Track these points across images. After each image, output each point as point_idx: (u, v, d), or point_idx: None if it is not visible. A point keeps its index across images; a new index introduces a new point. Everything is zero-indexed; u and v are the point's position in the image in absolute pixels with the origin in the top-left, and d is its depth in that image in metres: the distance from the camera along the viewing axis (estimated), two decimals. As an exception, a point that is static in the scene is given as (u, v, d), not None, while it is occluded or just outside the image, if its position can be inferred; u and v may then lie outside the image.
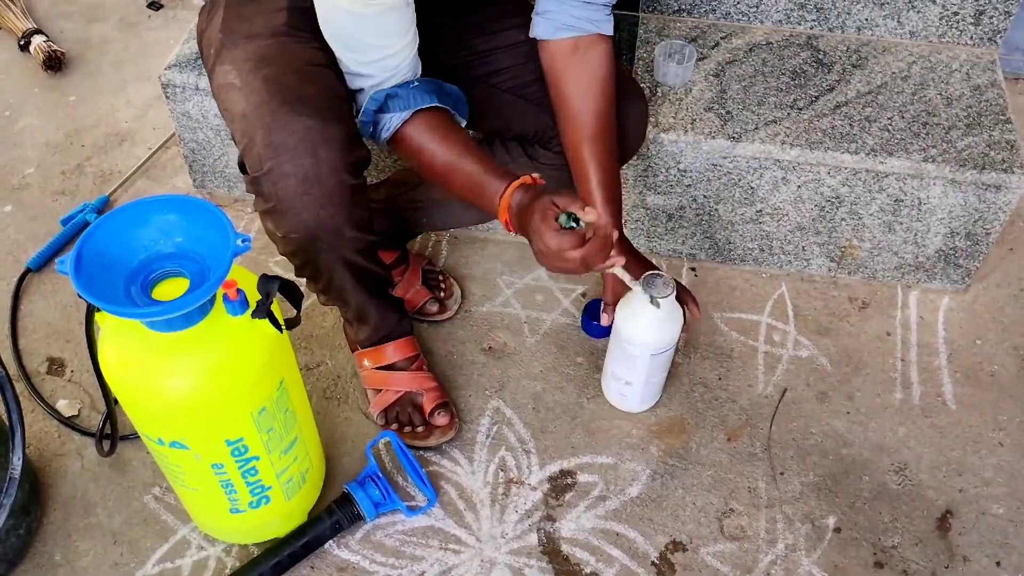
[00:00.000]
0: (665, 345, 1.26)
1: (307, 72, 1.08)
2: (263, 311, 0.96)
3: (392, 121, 1.12)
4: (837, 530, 1.27)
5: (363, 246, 1.16)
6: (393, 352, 1.36)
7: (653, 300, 1.20)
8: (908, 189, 1.42)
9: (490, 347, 1.48)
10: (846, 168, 1.40)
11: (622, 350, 1.29)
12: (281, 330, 1.00)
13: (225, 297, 0.95)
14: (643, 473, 1.33)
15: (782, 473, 1.33)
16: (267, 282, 0.97)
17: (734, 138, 1.41)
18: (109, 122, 1.86)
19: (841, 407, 1.41)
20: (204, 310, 0.95)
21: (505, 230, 1.14)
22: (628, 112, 1.28)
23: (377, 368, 1.37)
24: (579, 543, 1.26)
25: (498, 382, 1.44)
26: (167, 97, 1.53)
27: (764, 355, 1.48)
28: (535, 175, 1.10)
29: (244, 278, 1.00)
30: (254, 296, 0.98)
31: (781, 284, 1.58)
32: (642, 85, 1.49)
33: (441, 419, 1.35)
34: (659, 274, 1.22)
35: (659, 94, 1.48)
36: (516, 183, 1.09)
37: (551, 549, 1.25)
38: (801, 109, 1.45)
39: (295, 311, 1.07)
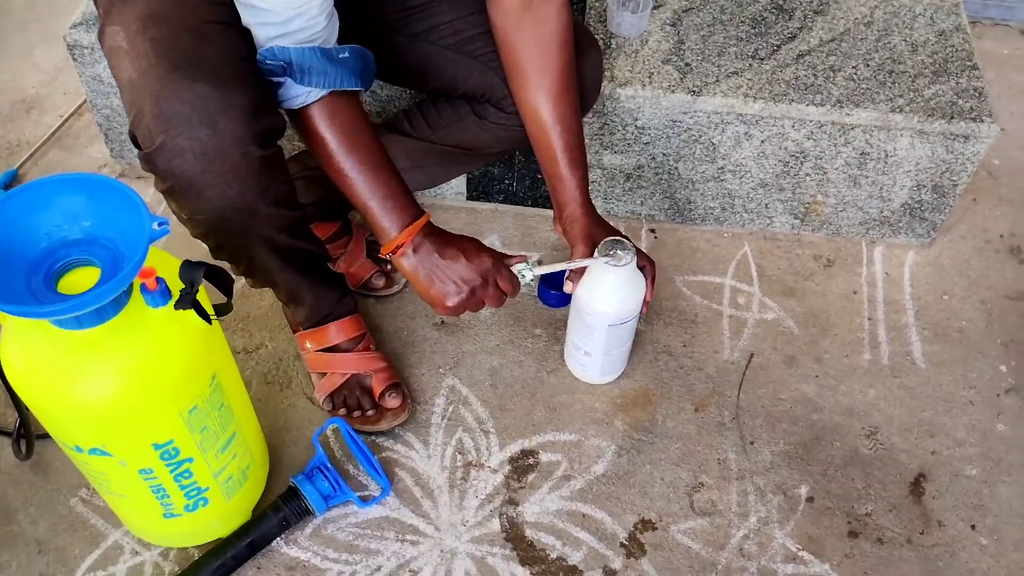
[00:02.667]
0: (624, 316, 1.19)
1: (204, 31, 0.94)
2: (187, 301, 0.86)
3: (310, 97, 1.00)
4: (810, 500, 1.22)
5: (286, 223, 1.05)
6: (336, 332, 1.26)
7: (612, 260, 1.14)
8: (875, 141, 1.35)
9: (443, 322, 1.40)
10: (811, 121, 1.33)
11: (581, 319, 1.22)
12: (210, 321, 0.90)
13: (143, 288, 0.85)
14: (608, 449, 1.26)
15: (752, 443, 1.28)
16: (190, 269, 0.86)
17: (694, 92, 1.32)
18: (15, 88, 1.71)
19: (810, 371, 1.36)
20: (119, 303, 0.84)
21: (388, 252, 1.06)
22: (582, 66, 1.18)
23: (320, 350, 1.27)
24: (544, 527, 1.19)
25: (452, 359, 1.35)
26: (75, 60, 1.39)
27: (729, 319, 1.42)
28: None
29: (166, 265, 0.90)
30: (178, 285, 0.88)
31: (744, 244, 1.52)
32: (595, 35, 1.39)
33: (392, 401, 1.26)
34: (619, 240, 1.14)
35: (613, 46, 1.39)
36: (426, 216, 1.07)
37: (515, 535, 1.18)
38: (763, 59, 1.37)
39: (226, 298, 0.97)
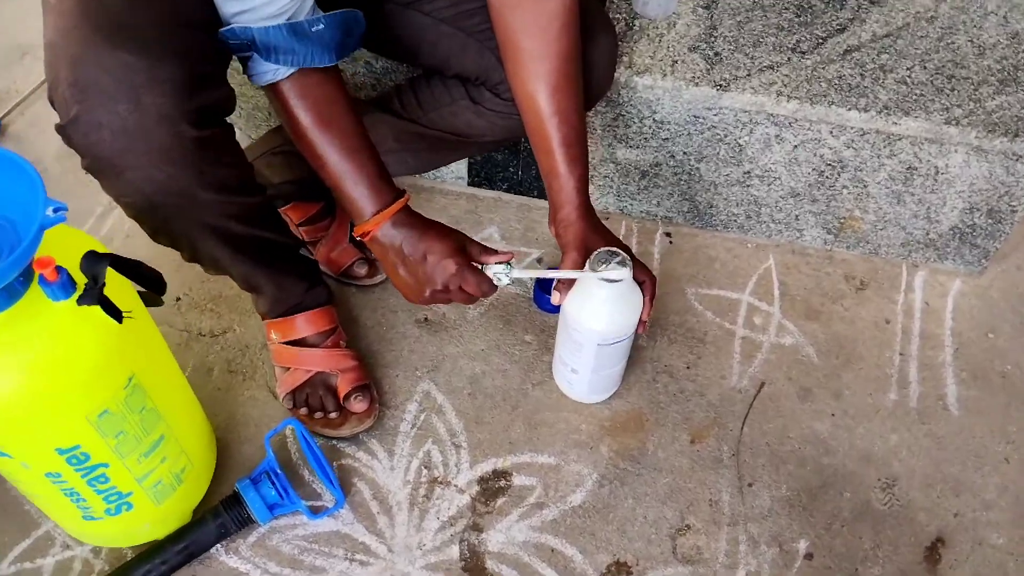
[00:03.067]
0: (616, 335, 1.06)
1: None
2: (91, 297, 0.76)
3: (278, 74, 0.91)
4: (808, 556, 1.09)
5: (235, 211, 0.95)
6: (303, 325, 1.16)
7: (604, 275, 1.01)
8: (924, 156, 1.19)
9: (426, 318, 1.28)
10: (852, 128, 1.17)
11: (568, 334, 1.09)
12: (119, 319, 0.79)
13: (41, 279, 0.75)
14: (589, 477, 1.14)
15: (750, 484, 1.14)
16: (93, 262, 0.76)
17: (721, 86, 1.17)
18: (10, 33, 1.62)
19: (826, 407, 1.22)
20: (13, 293, 0.75)
21: (359, 236, 1.00)
22: (592, 49, 1.04)
23: (284, 343, 1.17)
24: (507, 559, 1.08)
25: (432, 361, 1.24)
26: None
27: (742, 341, 1.28)
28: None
29: (78, 250, 0.80)
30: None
31: (769, 256, 1.37)
32: (616, 16, 1.25)
33: (358, 404, 1.16)
34: (615, 252, 1.01)
35: (636, 28, 1.24)
36: (404, 200, 0.99)
37: (474, 565, 1.07)
38: (804, 53, 1.21)
39: (156, 294, 0.88)
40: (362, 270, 1.29)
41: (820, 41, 1.23)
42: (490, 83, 1.09)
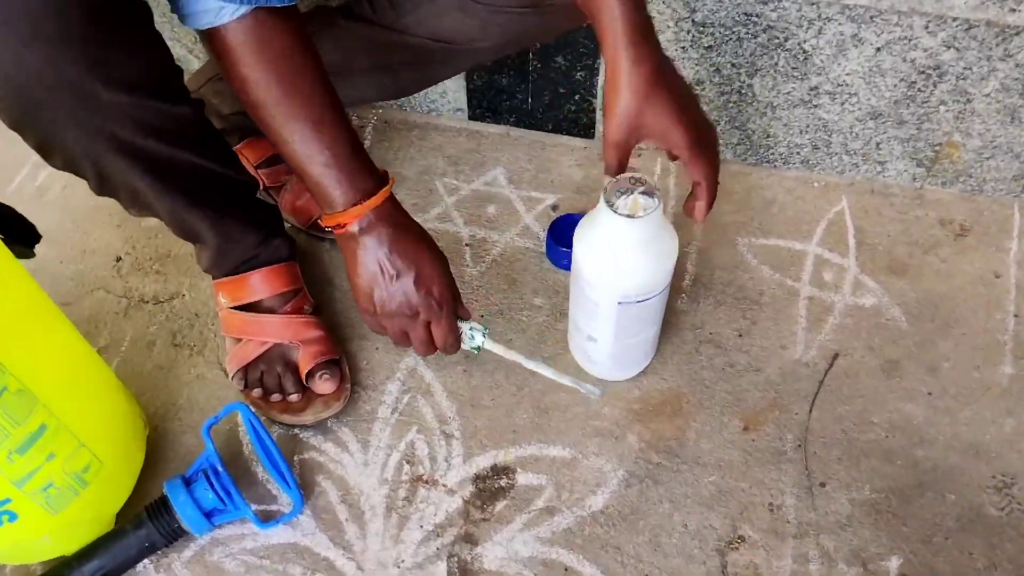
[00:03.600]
0: (641, 291, 0.81)
1: None
2: None
3: (222, 15, 0.69)
4: (902, 578, 0.84)
5: (154, 121, 0.73)
6: (258, 285, 0.94)
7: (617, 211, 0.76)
8: (1051, 55, 0.91)
9: (414, 278, 1.05)
10: (955, 20, 0.90)
11: (581, 289, 0.84)
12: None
13: None
14: (614, 475, 0.90)
15: (823, 484, 0.89)
16: None
17: (780, -30, 0.91)
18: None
19: (919, 384, 0.95)
20: None
21: (328, 227, 0.79)
22: None
23: (235, 307, 0.94)
24: (508, 580, 0.84)
25: (419, 330, 1.01)
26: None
27: (808, 302, 1.01)
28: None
29: None
30: None
31: (841, 197, 1.10)
32: None
33: (324, 384, 0.93)
34: (637, 178, 0.76)
35: (670, -96, 0.98)
36: (387, 188, 0.79)
37: (465, 588, 0.84)
38: (888, -73, 0.94)
39: (25, 246, 0.66)
40: (336, 221, 1.05)
41: (909, -88, 0.95)
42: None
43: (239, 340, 0.95)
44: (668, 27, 0.98)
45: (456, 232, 1.08)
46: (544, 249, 1.06)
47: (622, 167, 0.74)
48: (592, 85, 1.07)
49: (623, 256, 0.77)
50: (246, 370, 0.94)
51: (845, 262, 1.04)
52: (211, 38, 0.71)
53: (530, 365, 0.87)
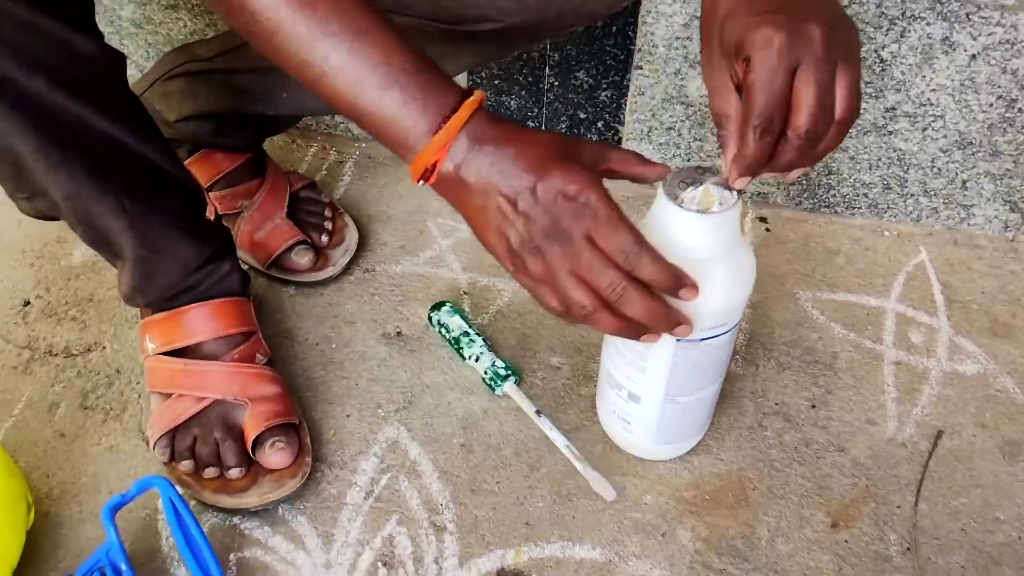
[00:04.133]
0: (712, 322, 0.60)
1: None
2: None
3: None
4: None
5: (47, 51, 0.53)
6: (198, 322, 0.72)
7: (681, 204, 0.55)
8: None
9: (399, 331, 0.83)
10: (1072, 15, 0.74)
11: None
12: None
13: None
14: (663, 586, 0.66)
15: (946, 601, 0.66)
16: None
17: (858, -46, 0.75)
18: None
19: (1050, 471, 0.74)
20: None
21: (420, 180, 0.53)
22: None
23: (164, 352, 0.72)
24: None
25: (404, 394, 0.79)
26: None
27: (895, 368, 0.81)
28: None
29: None
30: None
31: (919, 248, 0.91)
32: None
33: (277, 455, 0.70)
34: (707, 167, 0.57)
35: None
36: (475, 99, 0.52)
37: None
38: (979, -83, 0.80)
39: None
40: (303, 259, 0.85)
41: (1000, -95, 0.81)
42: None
43: (167, 396, 0.72)
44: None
45: (452, 279, 0.88)
46: (562, 299, 0.85)
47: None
48: (619, 108, 0.90)
49: (691, 268, 0.56)
50: (174, 435, 0.71)
51: (935, 322, 0.84)
52: None
53: (550, 433, 0.65)
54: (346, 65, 0.50)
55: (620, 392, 0.68)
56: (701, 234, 0.56)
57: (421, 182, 0.53)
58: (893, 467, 0.74)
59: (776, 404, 0.78)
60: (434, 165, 0.51)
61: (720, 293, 0.58)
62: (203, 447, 0.70)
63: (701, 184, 0.56)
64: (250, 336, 0.75)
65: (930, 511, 0.71)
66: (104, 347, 0.82)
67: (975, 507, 0.71)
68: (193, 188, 0.71)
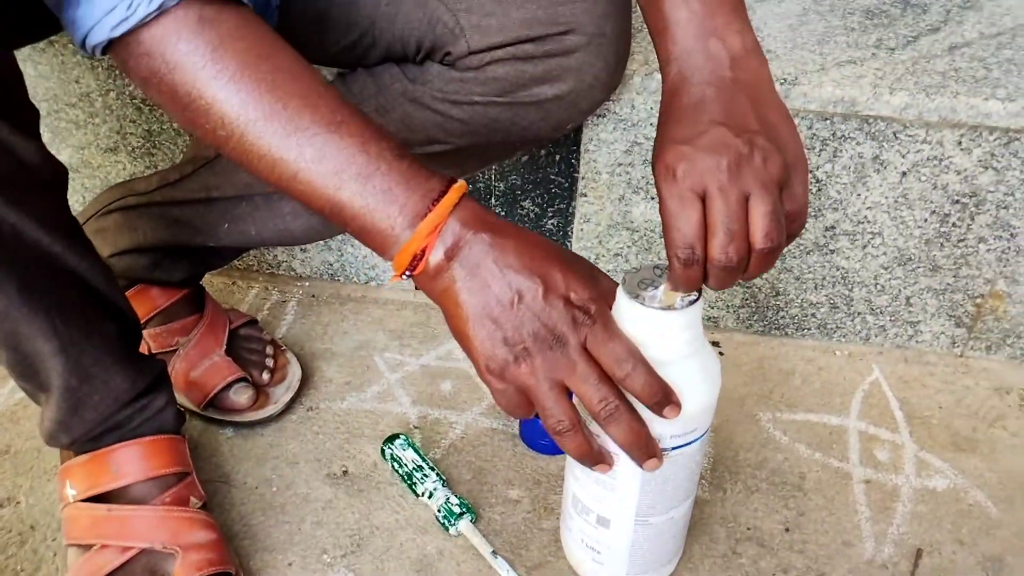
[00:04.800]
0: (684, 427, 0.57)
1: None
2: None
3: (136, 10, 0.46)
4: None
5: (2, 167, 0.51)
6: (127, 463, 0.66)
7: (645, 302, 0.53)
8: (1102, 174, 0.79)
9: (346, 470, 0.78)
10: (994, 130, 0.78)
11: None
12: None
13: None
14: None
15: None
16: None
17: (786, 79, 0.79)
18: None
19: (1036, 586, 0.70)
20: None
21: (401, 276, 0.51)
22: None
23: (87, 499, 0.66)
24: None
25: (352, 537, 0.72)
26: None
27: (866, 486, 0.78)
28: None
29: None
30: None
31: (872, 367, 0.91)
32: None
33: (209, 611, 0.63)
34: (664, 267, 0.56)
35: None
36: (462, 185, 0.51)
37: None
38: (893, 49, 0.85)
39: None
40: (242, 397, 0.80)
41: (911, 39, 0.87)
42: (440, 46, 0.68)
43: (87, 548, 0.65)
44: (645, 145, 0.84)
45: (402, 413, 0.84)
46: (517, 429, 0.81)
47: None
48: (566, 236, 0.90)
49: (659, 371, 0.54)
50: (93, 593, 0.63)
51: (897, 438, 0.83)
52: (132, 53, 0.47)
53: (504, 573, 0.60)
54: (323, 157, 0.48)
55: (588, 517, 0.63)
56: (669, 332, 0.54)
57: (405, 275, 0.50)
58: (877, 590, 0.69)
59: (748, 529, 0.74)
60: (422, 252, 0.49)
61: (692, 395, 0.55)
62: (126, 605, 0.63)
63: (660, 283, 0.55)
64: (183, 478, 0.69)
65: (922, 635, 0.66)
66: (18, 502, 0.75)
67: (967, 628, 0.67)
68: (131, 315, 0.67)
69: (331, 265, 0.98)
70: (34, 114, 0.55)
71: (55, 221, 0.56)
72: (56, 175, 0.58)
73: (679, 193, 0.49)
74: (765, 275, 0.89)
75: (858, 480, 0.78)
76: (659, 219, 0.51)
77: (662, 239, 0.52)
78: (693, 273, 0.50)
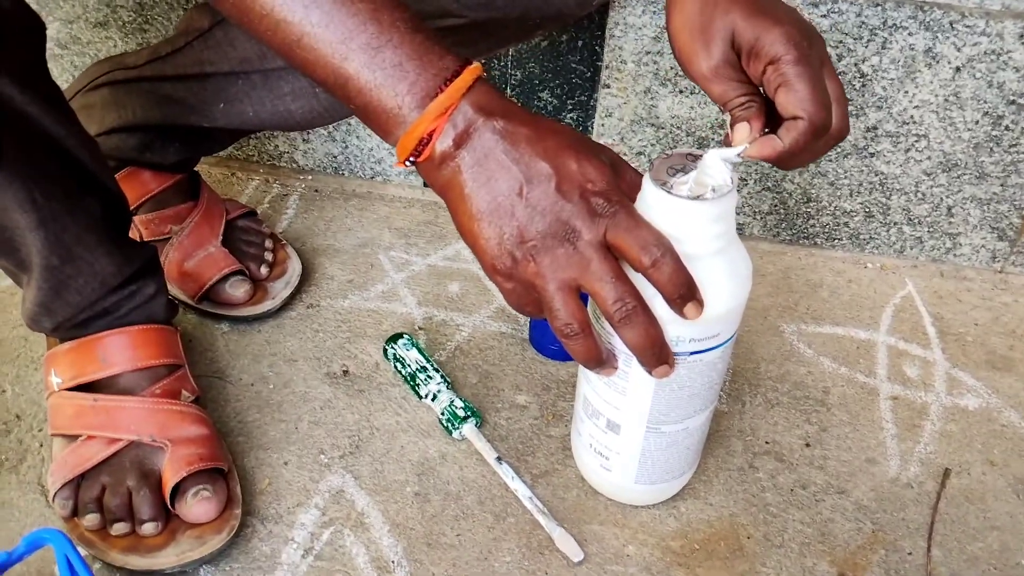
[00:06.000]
0: (707, 330, 0.53)
1: None
2: None
3: None
4: None
5: None
6: (115, 351, 0.63)
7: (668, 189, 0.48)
8: None
9: (346, 370, 0.74)
10: (1059, 23, 0.71)
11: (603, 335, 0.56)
12: None
13: None
14: (652, 650, 0.57)
15: (974, 659, 0.57)
16: None
17: (835, -39, 0.72)
18: None
19: (1069, 511, 0.67)
20: None
21: (409, 158, 0.46)
22: None
23: (71, 388, 0.62)
24: None
25: (351, 438, 0.69)
26: None
27: (893, 403, 0.74)
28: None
29: None
30: None
31: (905, 281, 0.86)
32: None
33: (200, 506, 0.60)
34: (697, 153, 0.50)
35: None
36: (477, 66, 0.46)
37: None
38: (954, -68, 0.77)
39: None
40: (239, 291, 0.76)
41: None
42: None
43: (73, 439, 0.62)
44: (688, 47, 0.77)
45: (406, 313, 0.80)
46: (527, 333, 0.77)
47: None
48: (586, 131, 0.84)
49: (686, 264, 0.49)
50: (78, 484, 0.61)
51: (929, 354, 0.78)
52: None
53: (512, 482, 0.57)
54: (331, 22, 0.43)
55: (598, 421, 0.60)
56: (696, 224, 0.49)
57: (409, 161, 0.46)
58: (900, 510, 0.66)
59: (767, 443, 0.70)
60: (429, 136, 0.44)
61: (717, 295, 0.50)
62: (112, 498, 0.60)
63: (691, 171, 0.50)
64: (175, 370, 0.65)
65: (945, 557, 0.63)
66: (3, 391, 0.72)
67: (993, 551, 0.63)
68: (117, 194, 0.62)
69: (335, 158, 0.92)
70: None
71: (30, 79, 0.51)
72: (32, 26, 0.52)
73: (814, 65, 0.49)
74: (797, 180, 0.83)
75: (885, 396, 0.74)
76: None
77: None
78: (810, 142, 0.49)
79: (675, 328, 0.51)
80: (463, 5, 0.65)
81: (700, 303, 0.48)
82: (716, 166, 0.49)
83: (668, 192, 0.48)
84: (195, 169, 0.80)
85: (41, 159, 0.54)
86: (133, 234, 0.73)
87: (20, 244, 0.56)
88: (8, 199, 0.52)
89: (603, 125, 0.83)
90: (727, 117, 0.51)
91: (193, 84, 0.71)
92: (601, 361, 0.50)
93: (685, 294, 0.47)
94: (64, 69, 0.89)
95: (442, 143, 0.45)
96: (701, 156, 0.50)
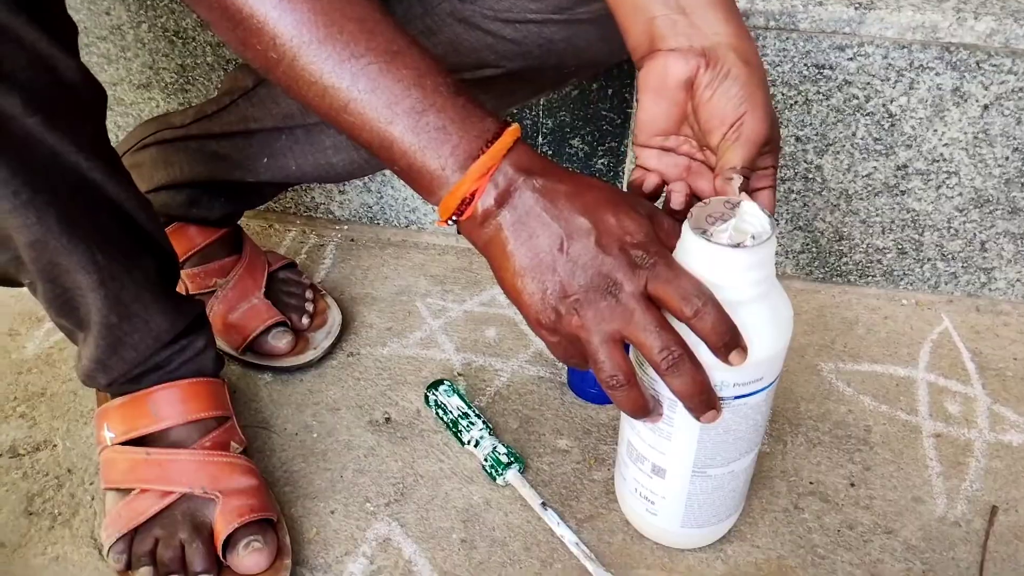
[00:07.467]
0: (750, 374, 0.53)
1: None
2: None
3: None
4: None
5: (22, 65, 0.48)
6: (166, 405, 0.64)
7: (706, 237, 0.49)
8: None
9: (388, 418, 0.75)
10: (1086, 60, 0.72)
11: (649, 384, 0.56)
12: None
13: None
14: None
15: None
16: None
17: (861, 4, 0.73)
18: None
19: (1121, 548, 0.66)
20: None
21: (451, 218, 0.48)
22: None
23: (124, 442, 0.64)
24: None
25: (396, 486, 0.70)
26: None
27: (936, 440, 0.74)
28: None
29: None
30: None
31: (941, 316, 0.86)
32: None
33: (252, 557, 0.61)
34: (735, 202, 0.51)
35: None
36: (516, 128, 0.48)
37: None
38: (976, -27, 0.78)
39: None
40: (282, 341, 0.77)
41: (994, -37, 0.80)
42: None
43: (126, 493, 0.63)
44: (717, 92, 0.78)
45: (445, 359, 0.81)
46: (565, 377, 0.78)
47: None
48: (616, 177, 0.86)
49: (728, 311, 0.50)
50: (132, 537, 0.62)
51: (970, 391, 0.78)
52: None
53: (557, 528, 0.58)
54: (377, 88, 0.45)
55: (643, 465, 0.60)
56: (737, 271, 0.50)
57: (452, 220, 0.47)
58: (949, 549, 0.66)
59: (811, 483, 0.70)
60: (471, 196, 0.46)
61: (760, 341, 0.51)
62: (165, 550, 0.61)
63: (730, 218, 0.51)
64: (224, 422, 0.66)
65: (998, 597, 0.62)
66: (55, 445, 0.73)
67: (1047, 590, 0.63)
68: (170, 252, 0.64)
69: (370, 208, 0.94)
70: (73, 29, 0.52)
71: (95, 147, 0.54)
72: (96, 97, 0.55)
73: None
74: (828, 219, 0.84)
75: (928, 434, 0.74)
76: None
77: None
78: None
79: (719, 373, 0.51)
80: (500, 55, 0.67)
81: (744, 349, 0.49)
82: (755, 213, 0.50)
83: (708, 240, 0.49)
84: (238, 223, 0.82)
85: (104, 222, 0.56)
86: (179, 288, 0.75)
87: (80, 303, 0.58)
88: (72, 261, 0.54)
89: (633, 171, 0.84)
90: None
91: (239, 140, 0.74)
92: (648, 411, 0.51)
93: (729, 342, 0.48)
94: (108, 130, 0.92)
95: (484, 202, 0.46)
96: (739, 203, 0.51)
